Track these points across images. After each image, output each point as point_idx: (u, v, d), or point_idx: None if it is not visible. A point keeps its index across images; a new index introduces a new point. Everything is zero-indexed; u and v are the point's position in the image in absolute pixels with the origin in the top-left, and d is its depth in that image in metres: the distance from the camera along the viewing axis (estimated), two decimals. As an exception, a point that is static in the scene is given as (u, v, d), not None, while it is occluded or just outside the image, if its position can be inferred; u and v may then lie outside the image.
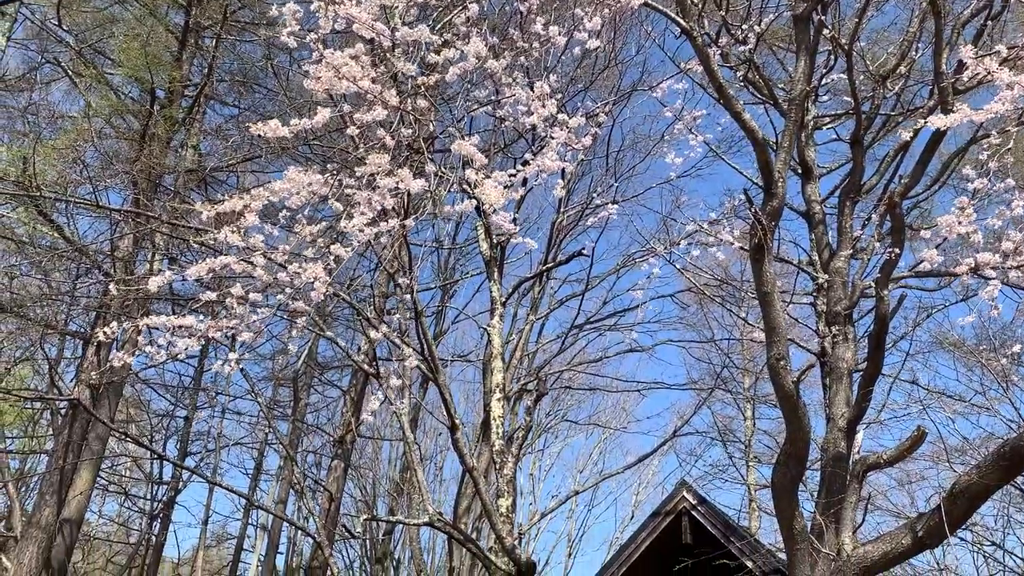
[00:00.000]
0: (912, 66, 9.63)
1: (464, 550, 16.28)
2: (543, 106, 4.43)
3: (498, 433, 9.74)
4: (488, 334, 10.35)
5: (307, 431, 22.35)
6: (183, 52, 13.13)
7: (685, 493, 13.85)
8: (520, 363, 14.65)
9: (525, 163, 8.05)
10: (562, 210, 14.79)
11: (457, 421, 7.79)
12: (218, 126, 17.12)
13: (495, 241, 10.67)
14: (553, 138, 5.33)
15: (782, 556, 16.29)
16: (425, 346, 7.46)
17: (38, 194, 8.04)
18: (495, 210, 4.05)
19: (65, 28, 12.62)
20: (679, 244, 15.75)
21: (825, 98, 12.20)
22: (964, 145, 9.17)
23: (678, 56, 14.02)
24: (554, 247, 14.84)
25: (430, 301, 20.83)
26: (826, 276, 8.99)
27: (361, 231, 3.90)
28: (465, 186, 4.23)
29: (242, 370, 11.87)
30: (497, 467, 9.60)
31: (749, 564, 12.57)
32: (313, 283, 4.08)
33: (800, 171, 10.24)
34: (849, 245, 9.33)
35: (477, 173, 3.97)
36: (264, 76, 16.60)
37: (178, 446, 24.04)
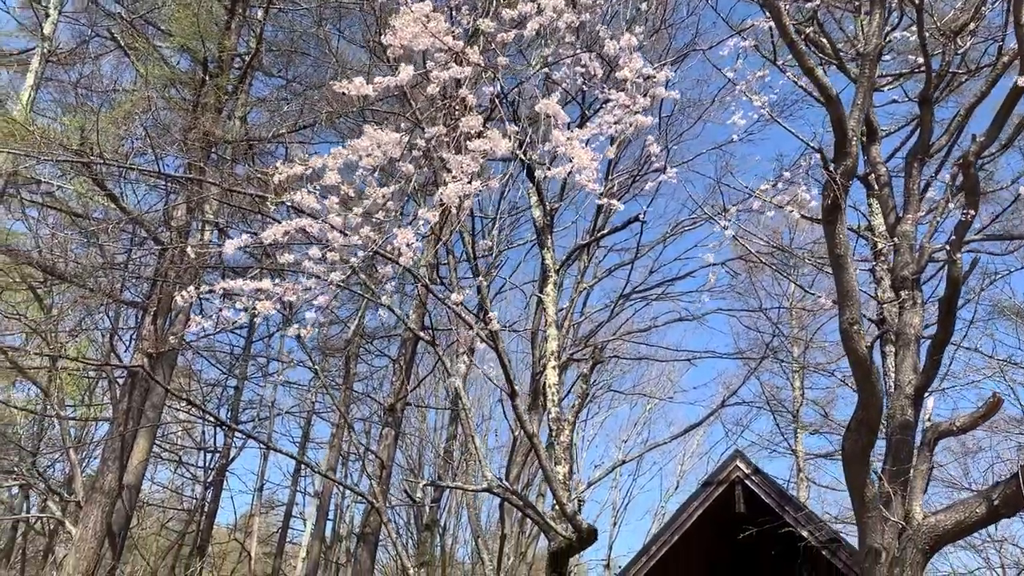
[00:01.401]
0: (980, 23, 9.26)
1: (512, 517, 16.36)
2: (629, 59, 4.28)
3: (554, 400, 9.69)
4: (542, 302, 10.28)
5: (356, 400, 22.55)
6: (231, 22, 13.10)
7: (739, 462, 13.73)
8: (567, 333, 14.56)
9: (581, 124, 7.90)
10: (611, 176, 14.61)
11: (516, 388, 7.73)
12: (264, 97, 17.15)
13: (548, 208, 10.56)
14: (610, 99, 5.19)
15: (836, 526, 16.14)
16: (484, 313, 7.38)
17: (101, 161, 8.08)
18: (580, 171, 3.93)
19: (116, -1, 12.66)
20: (732, 211, 15.50)
21: (887, 58, 11.82)
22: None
23: (731, 17, 13.69)
24: (603, 214, 14.69)
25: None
26: (893, 240, 8.70)
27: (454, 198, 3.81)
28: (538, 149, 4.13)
29: (298, 337, 11.92)
30: (554, 434, 9.57)
31: (804, 533, 12.45)
32: (398, 248, 4.00)
33: (864, 132, 9.93)
34: (917, 208, 9.04)
35: (563, 132, 3.86)
36: (309, 46, 16.57)
37: (229, 415, 24.46)
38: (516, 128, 4.00)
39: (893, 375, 8.56)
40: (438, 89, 4.18)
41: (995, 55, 9.58)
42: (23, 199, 14.55)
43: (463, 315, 7.40)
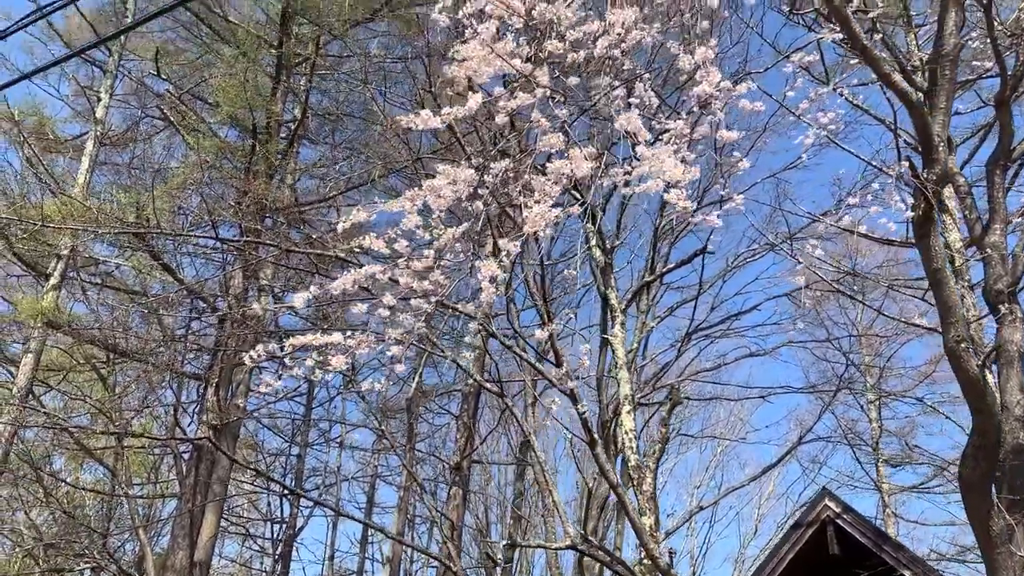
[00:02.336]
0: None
1: (591, 574, 15.72)
2: (707, 73, 3.97)
3: (632, 447, 9.24)
4: (610, 344, 9.90)
5: (419, 460, 22.20)
6: (276, 90, 13.21)
7: (828, 502, 13.00)
8: (633, 376, 14.10)
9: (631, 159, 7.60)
10: (664, 212, 14.25)
11: (595, 436, 7.33)
12: (312, 162, 17.28)
13: (608, 246, 10.25)
14: (668, 129, 4.89)
15: (936, 564, 15.18)
16: (558, 363, 7.03)
17: (158, 231, 8.03)
18: (668, 187, 3.62)
19: (164, 77, 12.84)
20: (793, 238, 14.99)
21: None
22: None
23: (777, 42, 13.40)
24: (658, 251, 14.30)
25: (530, 320, 20.46)
26: (986, 251, 8.17)
27: (535, 223, 3.51)
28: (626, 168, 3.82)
29: (361, 395, 11.70)
30: (635, 483, 9.10)
31: (907, 574, 11.66)
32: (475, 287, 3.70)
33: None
34: (1003, 216, 8.51)
35: (649, 147, 3.57)
36: (353, 109, 16.69)
37: (293, 483, 24.25)
38: (592, 151, 3.71)
39: (998, 396, 7.98)
40: (506, 119, 3.91)
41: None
42: (83, 280, 14.70)
43: (538, 366, 7.05)
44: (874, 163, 14.14)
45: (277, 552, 22.72)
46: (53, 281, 13.59)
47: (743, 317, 17.67)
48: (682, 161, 4.05)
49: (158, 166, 15.72)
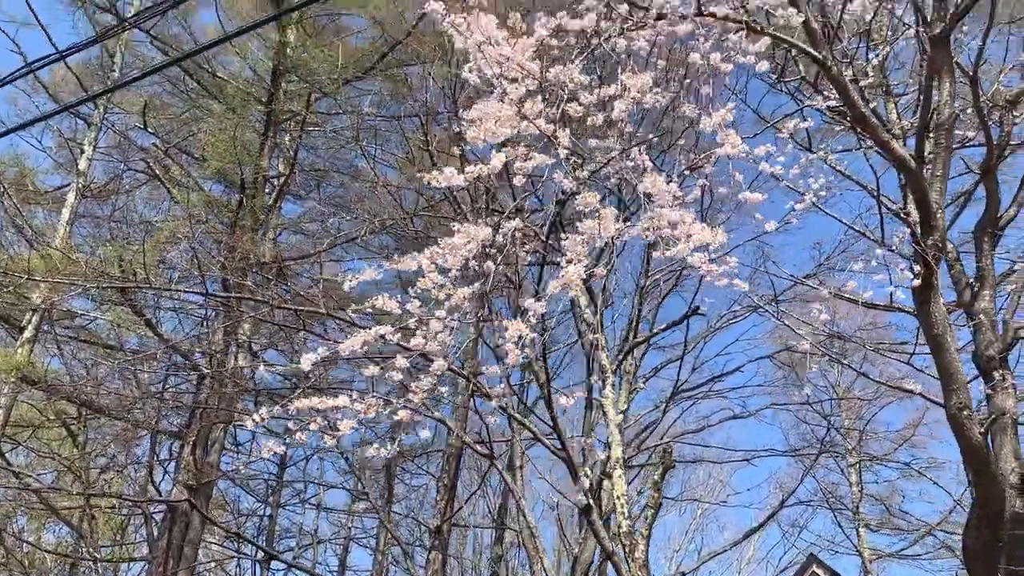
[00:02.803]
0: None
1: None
2: (727, 136, 3.98)
3: (624, 512, 9.06)
4: (601, 406, 9.76)
5: (396, 522, 21.71)
6: (264, 146, 13.17)
7: (816, 568, 12.89)
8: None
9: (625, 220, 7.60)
10: (648, 271, 14.26)
11: (591, 502, 7.17)
12: (296, 217, 17.21)
13: (599, 306, 10.19)
14: (665, 190, 4.90)
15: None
16: (555, 428, 6.91)
17: (147, 286, 7.86)
18: (691, 251, 3.58)
19: (151, 130, 12.77)
20: (777, 300, 15.06)
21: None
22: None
23: (761, 109, 13.64)
24: (639, 310, 14.25)
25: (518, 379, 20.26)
26: (979, 317, 8.21)
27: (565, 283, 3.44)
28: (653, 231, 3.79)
29: (344, 455, 11.43)
30: (627, 551, 8.89)
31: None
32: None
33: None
34: (992, 282, 8.59)
35: (674, 210, 3.54)
36: (339, 166, 16.71)
37: (264, 545, 23.53)
38: (614, 213, 3.66)
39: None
40: (523, 180, 3.87)
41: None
42: (57, 335, 14.37)
43: (534, 430, 6.91)
44: (856, 227, 14.33)
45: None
46: (27, 334, 13.26)
47: (726, 378, 17.69)
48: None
49: (140, 220, 15.58)
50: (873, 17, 8.97)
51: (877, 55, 8.37)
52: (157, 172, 12.24)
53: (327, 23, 17.16)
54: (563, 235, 3.93)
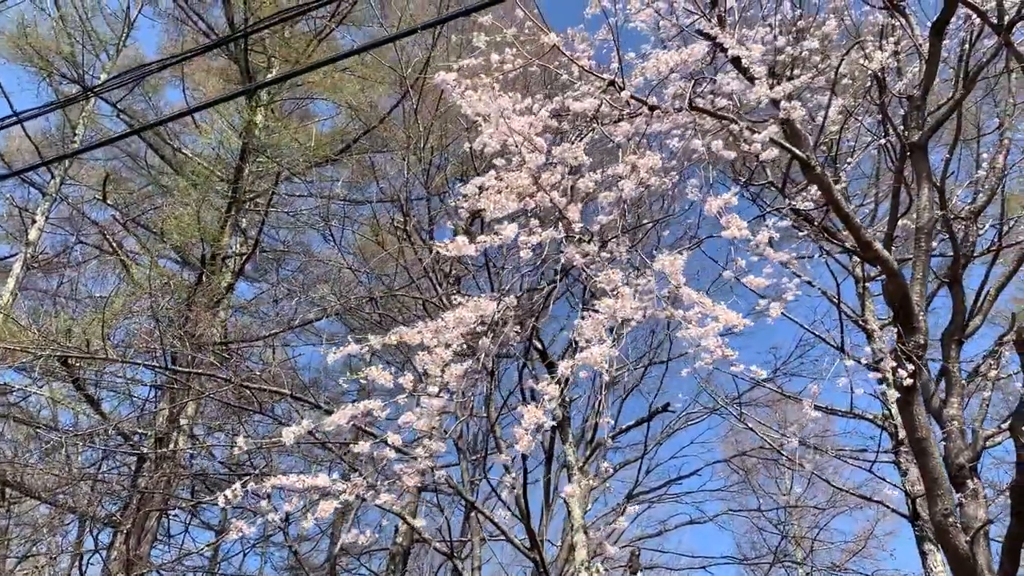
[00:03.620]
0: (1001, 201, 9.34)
1: None
2: (731, 219, 3.91)
3: (589, 617, 8.63)
4: (566, 504, 9.42)
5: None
6: (226, 224, 12.93)
7: None
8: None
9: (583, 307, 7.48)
10: (609, 368, 14.12)
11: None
12: (251, 299, 16.83)
13: (566, 400, 9.96)
14: (628, 285, 4.83)
15: None
16: (525, 521, 6.59)
17: (105, 358, 7.43)
18: (700, 341, 3.45)
19: (109, 203, 12.45)
20: (739, 402, 14.99)
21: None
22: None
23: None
24: (599, 406, 14.04)
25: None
26: (953, 424, 8.18)
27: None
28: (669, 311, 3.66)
29: (295, 552, 10.80)
30: (591, 658, 8.44)
31: None
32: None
33: (893, 316, 9.69)
34: (960, 389, 8.62)
35: (688, 294, 3.41)
36: (296, 251, 16.49)
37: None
38: (629, 290, 3.52)
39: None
40: (530, 253, 3.73)
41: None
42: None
43: (509, 534, 6.58)
44: (816, 332, 14.46)
45: None
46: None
47: (682, 482, 17.44)
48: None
49: (88, 295, 15.07)
50: (842, 128, 9.25)
51: (849, 162, 8.56)
52: (113, 246, 11.86)
53: (294, 108, 17.25)
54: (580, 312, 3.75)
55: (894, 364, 5.87)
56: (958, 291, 8.86)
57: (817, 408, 14.54)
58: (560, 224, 3.71)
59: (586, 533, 9.25)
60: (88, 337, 8.29)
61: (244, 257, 12.62)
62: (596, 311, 3.55)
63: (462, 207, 4.60)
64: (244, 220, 14.85)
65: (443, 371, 3.86)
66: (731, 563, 17.80)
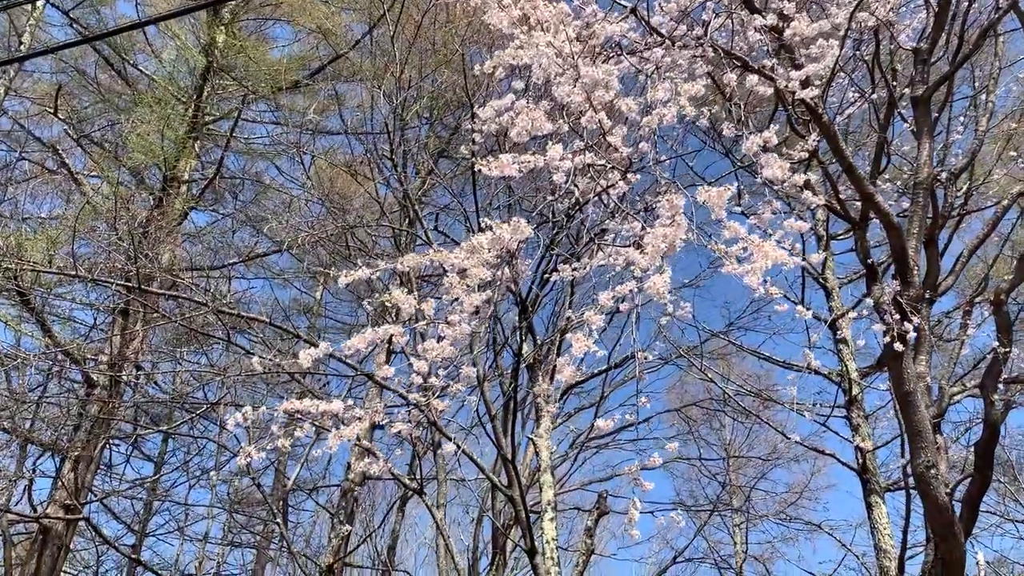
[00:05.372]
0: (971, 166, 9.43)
1: None
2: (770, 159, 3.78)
3: (553, 558, 8.67)
4: (535, 445, 9.40)
5: (271, 559, 20.50)
6: (184, 147, 12.36)
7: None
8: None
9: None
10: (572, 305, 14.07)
11: (537, 544, 6.76)
12: (200, 229, 16.27)
13: (539, 341, 9.88)
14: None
15: None
16: (507, 453, 6.49)
17: (75, 275, 7.00)
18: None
19: (60, 118, 11.77)
20: (697, 353, 15.12)
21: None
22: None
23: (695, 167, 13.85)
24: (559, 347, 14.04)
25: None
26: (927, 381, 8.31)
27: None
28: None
29: (258, 485, 10.59)
30: (555, 598, 8.49)
31: None
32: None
33: (865, 272, 9.78)
34: (929, 347, 8.77)
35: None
36: (254, 180, 15.93)
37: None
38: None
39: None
40: (563, 177, 3.54)
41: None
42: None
43: (489, 475, 6.45)
44: (775, 288, 14.57)
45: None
46: None
47: (633, 429, 17.67)
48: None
49: (33, 215, 14.38)
50: (829, 82, 9.17)
51: (853, 106, 8.51)
52: (66, 163, 11.24)
53: (255, 30, 16.51)
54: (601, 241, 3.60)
55: (897, 316, 5.87)
56: (933, 251, 8.95)
57: (773, 362, 14.79)
58: (602, 148, 3.53)
59: (552, 474, 9.25)
60: (38, 255, 7.83)
61: (205, 182, 12.12)
62: (635, 243, 3.40)
63: (477, 131, 4.37)
64: (203, 145, 14.26)
65: (465, 298, 3.67)
66: (675, 509, 18.19)
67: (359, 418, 3.45)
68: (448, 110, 13.67)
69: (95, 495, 15.42)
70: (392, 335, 3.53)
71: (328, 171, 15.17)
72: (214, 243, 15.97)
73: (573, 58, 3.39)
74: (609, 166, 3.70)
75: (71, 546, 17.39)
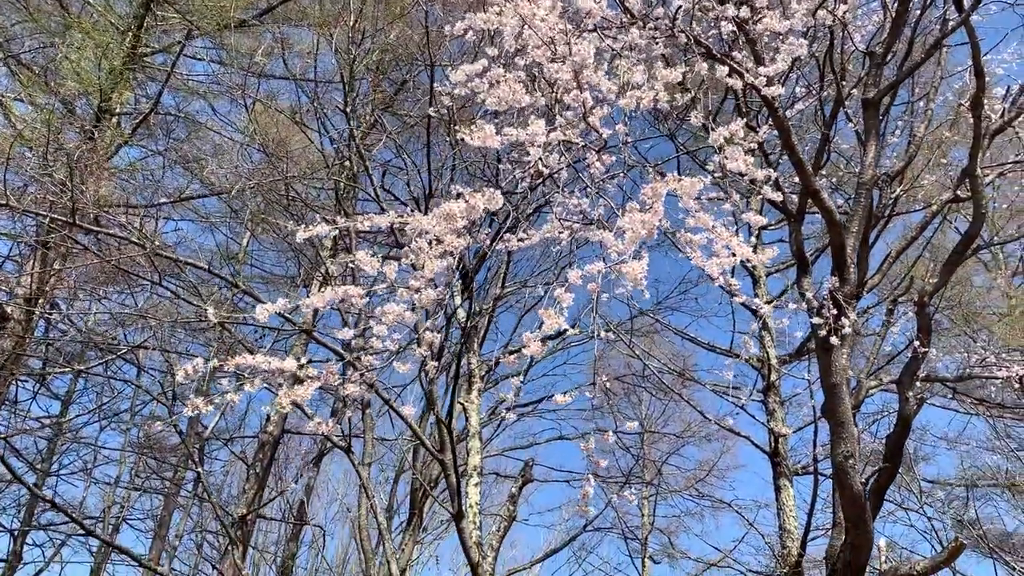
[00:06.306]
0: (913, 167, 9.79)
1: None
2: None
3: (475, 523, 8.77)
4: (465, 410, 9.45)
5: (180, 506, 20.19)
6: (121, 79, 11.83)
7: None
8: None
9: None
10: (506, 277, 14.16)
11: (464, 508, 6.83)
12: (131, 164, 15.66)
13: (474, 309, 9.89)
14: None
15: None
16: (445, 418, 6.51)
17: (6, 204, 6.63)
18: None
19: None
20: (631, 330, 15.40)
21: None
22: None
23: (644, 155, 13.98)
24: (489, 319, 14.12)
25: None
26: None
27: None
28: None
29: (177, 428, 10.36)
30: (475, 562, 8.59)
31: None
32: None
33: (796, 264, 10.08)
34: (851, 341, 9.12)
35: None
36: (185, 123, 15.38)
37: (20, 519, 21.10)
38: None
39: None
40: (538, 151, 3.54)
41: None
42: None
43: (424, 440, 6.47)
44: (734, 282, 14.90)
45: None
46: None
47: (552, 400, 17.95)
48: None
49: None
50: (786, 75, 9.36)
51: (802, 102, 8.69)
52: (-11, 81, 10.63)
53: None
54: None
55: (834, 311, 6.08)
56: (865, 250, 9.29)
57: (698, 343, 15.16)
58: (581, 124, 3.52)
59: (480, 439, 9.32)
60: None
61: (139, 118, 11.64)
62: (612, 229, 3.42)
63: (444, 95, 4.32)
64: (137, 78, 13.67)
65: (424, 266, 3.65)
66: (588, 478, 18.54)
67: (313, 378, 3.41)
68: (396, 65, 13.43)
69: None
70: (352, 296, 3.49)
71: (266, 118, 14.77)
72: (143, 182, 15.42)
73: (567, 35, 3.37)
74: (582, 144, 3.70)
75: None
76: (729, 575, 21.53)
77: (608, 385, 21.71)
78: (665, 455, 22.50)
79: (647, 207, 3.38)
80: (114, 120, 12.83)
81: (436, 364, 3.94)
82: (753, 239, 14.84)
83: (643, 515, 24.15)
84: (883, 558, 7.66)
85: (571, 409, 19.95)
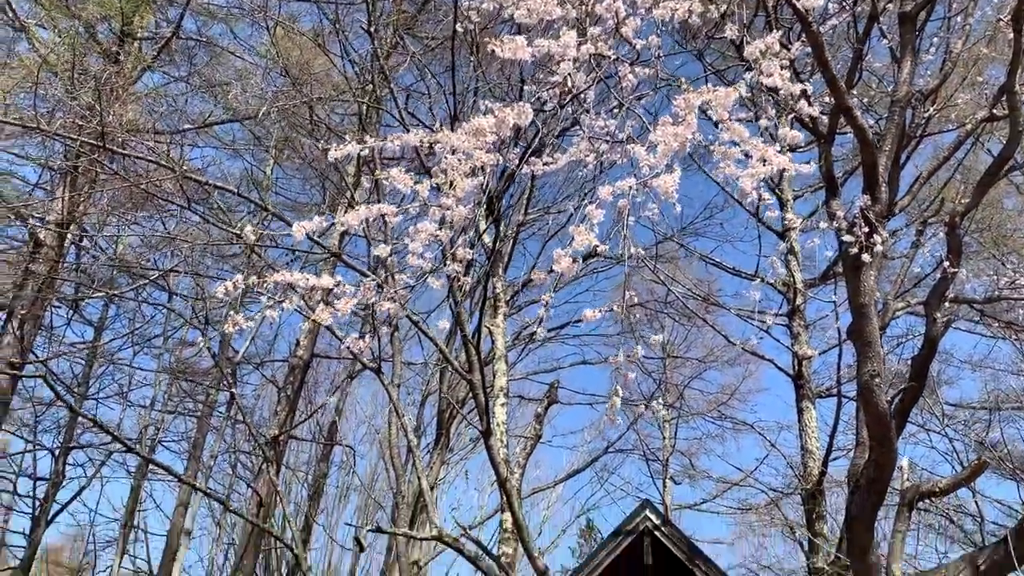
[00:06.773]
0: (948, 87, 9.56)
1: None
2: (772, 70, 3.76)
3: (502, 441, 8.96)
4: (491, 333, 9.56)
5: (219, 427, 20.78)
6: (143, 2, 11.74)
7: (648, 512, 13.39)
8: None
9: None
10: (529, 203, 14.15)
11: (492, 426, 6.98)
12: (154, 89, 15.64)
13: (501, 234, 9.92)
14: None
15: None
16: (473, 336, 6.60)
17: (37, 127, 6.68)
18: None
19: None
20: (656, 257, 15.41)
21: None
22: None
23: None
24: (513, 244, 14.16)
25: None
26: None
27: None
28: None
29: (211, 351, 10.60)
30: (502, 479, 8.81)
31: (714, 587, 12.23)
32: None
33: (825, 186, 9.96)
34: (879, 263, 9.07)
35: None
36: (200, 48, 15.27)
37: (62, 439, 21.81)
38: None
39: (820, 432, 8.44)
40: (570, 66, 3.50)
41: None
42: None
43: (450, 359, 6.58)
44: (732, 194, 14.75)
45: (36, 511, 20.27)
46: None
47: (578, 325, 18.11)
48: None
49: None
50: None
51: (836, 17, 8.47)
52: (11, 7, 10.59)
53: None
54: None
55: (866, 229, 6.04)
56: (896, 170, 9.15)
57: (723, 268, 15.13)
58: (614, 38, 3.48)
59: (506, 362, 9.45)
60: None
61: (161, 42, 11.58)
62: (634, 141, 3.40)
63: (471, 10, 4.26)
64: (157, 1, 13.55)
65: (453, 184, 3.66)
66: (617, 390, 18.81)
67: (350, 296, 3.47)
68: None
69: (36, 356, 15.27)
70: (385, 213, 3.52)
71: (287, 41, 14.63)
72: (166, 108, 15.42)
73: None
74: (613, 57, 3.66)
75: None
76: (750, 494, 21.99)
77: (636, 300, 21.86)
78: (688, 379, 22.70)
79: (679, 120, 3.35)
80: (136, 45, 12.78)
81: (468, 280, 3.99)
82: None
83: (664, 437, 24.51)
84: (905, 477, 7.74)
85: (594, 335, 20.08)
